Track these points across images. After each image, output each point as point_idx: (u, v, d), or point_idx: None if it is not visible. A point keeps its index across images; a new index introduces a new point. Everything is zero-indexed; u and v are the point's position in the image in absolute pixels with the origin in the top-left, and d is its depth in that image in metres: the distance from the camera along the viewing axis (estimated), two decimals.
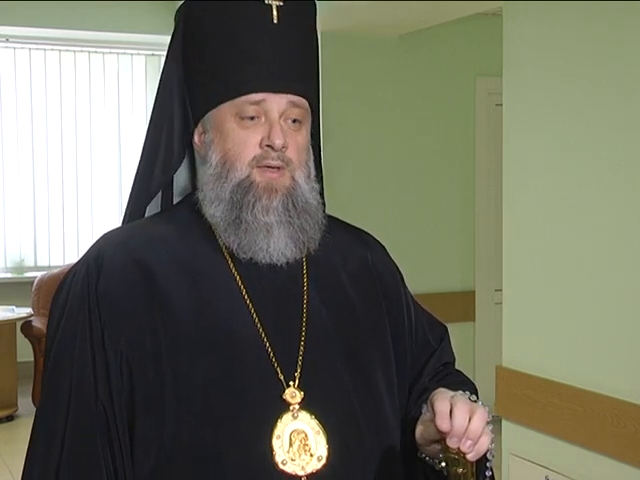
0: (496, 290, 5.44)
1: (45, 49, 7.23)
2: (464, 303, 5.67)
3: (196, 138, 1.40)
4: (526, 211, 3.40)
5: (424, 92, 5.54)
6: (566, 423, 3.16)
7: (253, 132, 1.33)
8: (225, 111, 1.34)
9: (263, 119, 1.33)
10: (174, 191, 1.46)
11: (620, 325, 2.98)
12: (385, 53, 5.42)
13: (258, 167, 1.33)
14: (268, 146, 1.32)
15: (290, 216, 1.34)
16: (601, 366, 3.05)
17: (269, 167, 1.33)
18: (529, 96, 3.38)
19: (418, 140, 5.53)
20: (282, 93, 1.33)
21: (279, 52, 1.34)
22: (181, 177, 1.46)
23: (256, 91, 1.32)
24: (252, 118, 1.33)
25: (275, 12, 1.34)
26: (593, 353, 3.09)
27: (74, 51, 7.31)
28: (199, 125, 1.39)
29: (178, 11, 1.44)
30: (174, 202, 1.46)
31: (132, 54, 7.43)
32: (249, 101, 1.32)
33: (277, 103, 1.33)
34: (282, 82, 1.34)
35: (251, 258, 1.33)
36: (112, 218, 7.28)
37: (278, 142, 1.31)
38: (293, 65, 1.36)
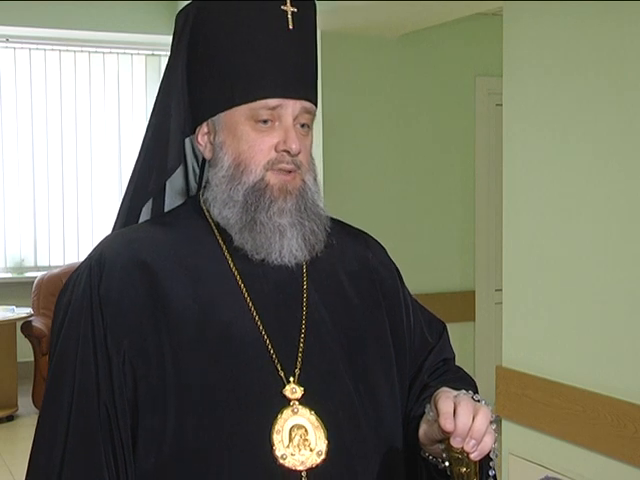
0: (496, 290, 5.45)
1: (45, 49, 7.23)
2: (464, 303, 5.67)
3: (199, 138, 1.41)
4: (526, 211, 3.40)
5: (424, 92, 5.54)
6: (566, 423, 3.16)
7: (268, 136, 1.35)
8: (239, 114, 1.35)
9: (277, 123, 1.35)
10: (171, 194, 1.46)
11: (620, 325, 2.98)
12: (385, 53, 5.42)
13: (272, 170, 1.35)
14: (284, 151, 1.34)
15: (302, 218, 1.36)
16: (601, 366, 3.05)
17: (282, 170, 1.35)
18: (529, 96, 3.38)
19: (418, 140, 5.53)
20: (297, 99, 1.36)
21: (295, 58, 1.37)
22: (177, 182, 1.46)
23: (274, 96, 1.34)
24: (265, 122, 1.35)
25: (290, 19, 1.36)
26: (593, 353, 3.09)
27: (74, 51, 7.31)
28: (203, 125, 1.40)
29: (181, 12, 1.43)
30: (172, 204, 1.47)
31: (132, 54, 7.43)
32: (266, 106, 1.34)
33: (292, 109, 1.35)
34: (298, 88, 1.36)
35: (263, 259, 1.35)
36: (112, 218, 7.12)
37: (295, 147, 1.34)
38: (307, 71, 1.39)
